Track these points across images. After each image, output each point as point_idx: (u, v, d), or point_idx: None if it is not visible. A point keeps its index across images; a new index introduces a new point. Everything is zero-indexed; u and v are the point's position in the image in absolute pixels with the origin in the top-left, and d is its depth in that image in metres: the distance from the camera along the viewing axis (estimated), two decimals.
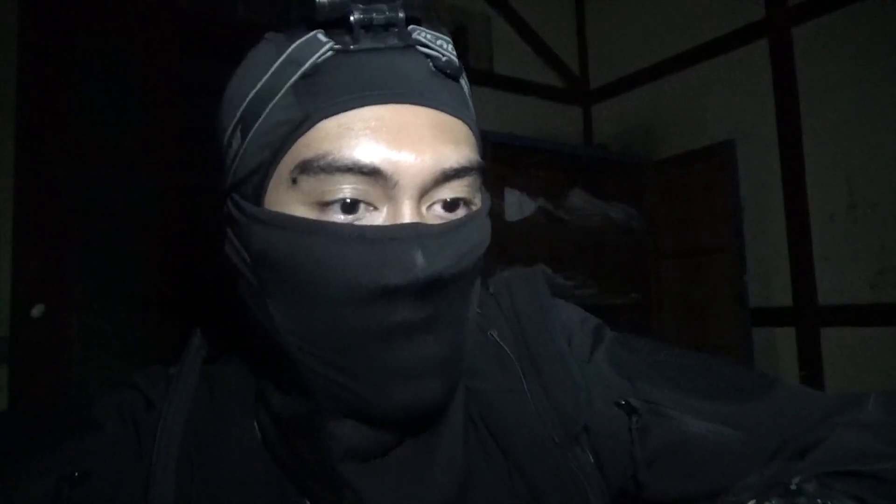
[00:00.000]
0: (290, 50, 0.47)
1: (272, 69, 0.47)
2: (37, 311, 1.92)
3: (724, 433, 0.53)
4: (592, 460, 0.56)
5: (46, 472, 0.49)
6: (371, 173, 0.44)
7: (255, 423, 0.53)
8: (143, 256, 2.13)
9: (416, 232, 0.44)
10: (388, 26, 0.47)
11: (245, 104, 0.48)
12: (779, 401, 0.54)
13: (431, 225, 0.46)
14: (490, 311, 0.60)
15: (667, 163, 2.82)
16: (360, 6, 0.46)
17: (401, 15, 0.47)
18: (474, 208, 0.50)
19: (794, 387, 0.56)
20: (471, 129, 0.50)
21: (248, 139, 0.48)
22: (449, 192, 0.47)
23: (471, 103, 0.53)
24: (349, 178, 0.44)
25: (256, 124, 0.47)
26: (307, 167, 0.45)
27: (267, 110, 0.47)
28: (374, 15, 0.46)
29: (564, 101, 3.20)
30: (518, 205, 2.59)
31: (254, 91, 0.48)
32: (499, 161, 2.62)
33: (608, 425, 0.55)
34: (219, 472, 0.51)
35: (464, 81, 0.52)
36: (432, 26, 0.50)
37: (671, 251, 2.81)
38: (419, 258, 0.44)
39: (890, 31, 2.19)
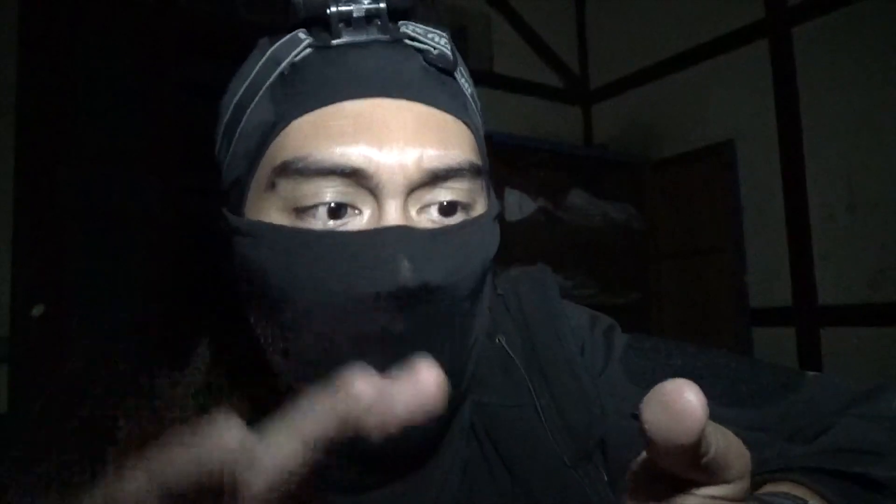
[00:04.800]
0: (270, 51, 0.45)
1: (253, 73, 0.45)
2: (37, 311, 1.92)
3: (746, 436, 0.49)
4: (606, 478, 0.51)
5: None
6: (350, 174, 0.41)
7: None
8: (144, 257, 2.13)
9: (401, 235, 0.41)
10: (370, 19, 0.44)
11: (229, 113, 0.46)
12: (803, 398, 0.51)
13: (419, 229, 0.42)
14: (497, 314, 0.56)
15: (667, 163, 2.82)
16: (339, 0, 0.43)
17: (382, 6, 0.43)
18: (474, 214, 0.46)
19: (821, 380, 0.53)
20: (468, 127, 0.46)
21: (231, 148, 0.46)
22: (444, 194, 0.44)
23: (473, 103, 0.49)
24: (328, 180, 0.41)
25: (238, 131, 0.45)
26: (283, 170, 0.42)
27: (246, 116, 0.45)
28: (353, 7, 0.43)
29: (564, 101, 3.20)
30: (518, 205, 2.59)
31: (236, 98, 0.46)
32: (499, 161, 2.62)
33: (625, 438, 0.51)
34: None
35: (464, 80, 0.49)
36: (426, 20, 0.47)
37: (671, 251, 2.81)
38: (405, 264, 0.40)
39: (890, 31, 2.19)
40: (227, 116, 0.47)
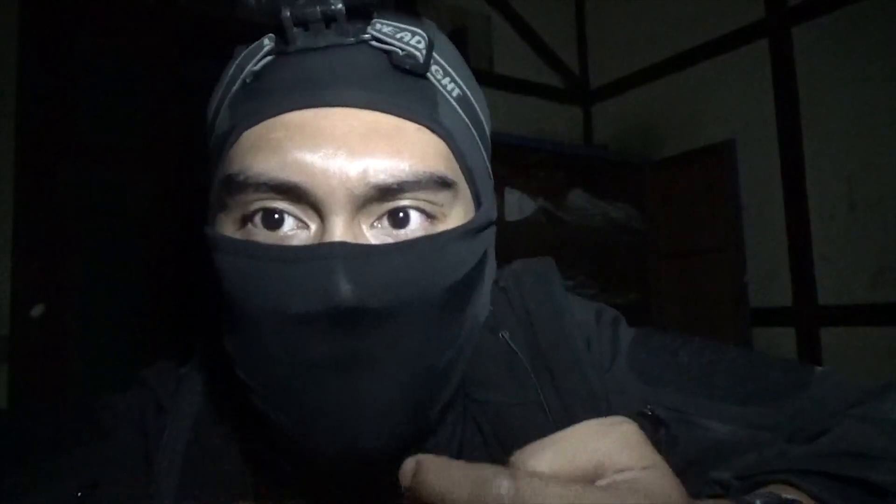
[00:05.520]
0: (238, 59, 0.43)
1: (224, 82, 0.44)
2: (37, 311, 1.92)
3: (753, 435, 0.48)
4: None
5: (63, 477, 0.45)
6: (287, 191, 0.39)
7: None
8: (144, 256, 2.13)
9: (336, 252, 0.38)
10: (328, 22, 0.41)
11: (207, 123, 0.46)
12: (809, 397, 0.49)
13: (361, 245, 0.39)
14: (500, 309, 0.53)
15: (667, 163, 2.82)
16: (291, 3, 0.40)
17: (339, 7, 0.40)
18: (443, 226, 0.42)
19: (829, 378, 0.51)
20: (438, 133, 0.42)
21: (209, 158, 0.45)
22: (400, 205, 0.40)
23: (457, 105, 0.44)
24: (268, 195, 0.39)
25: (210, 142, 0.45)
26: (227, 184, 0.40)
27: (215, 126, 0.44)
28: (307, 10, 0.40)
29: (564, 101, 3.20)
30: (518, 205, 2.58)
31: (211, 109, 0.45)
32: (499, 161, 2.61)
33: None
34: (215, 485, 0.47)
35: (447, 80, 0.44)
36: (402, 19, 0.43)
37: (671, 251, 2.80)
38: (342, 284, 0.37)
39: (890, 31, 2.19)
40: (206, 127, 0.46)
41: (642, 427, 0.46)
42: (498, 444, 0.49)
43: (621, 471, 0.28)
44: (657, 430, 0.49)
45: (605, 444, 0.28)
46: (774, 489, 0.38)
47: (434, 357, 0.42)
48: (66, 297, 1.99)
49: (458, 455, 0.47)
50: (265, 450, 0.46)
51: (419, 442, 0.44)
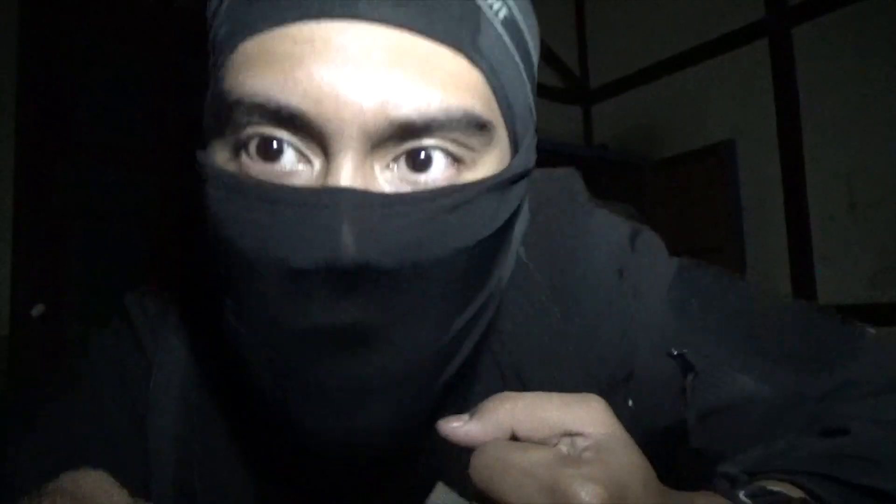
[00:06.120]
0: None
1: None
2: (37, 311, 1.92)
3: (782, 398, 0.44)
4: (631, 404, 0.45)
5: (40, 453, 0.42)
6: (287, 118, 0.32)
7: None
8: (143, 256, 2.13)
9: (342, 201, 0.32)
10: None
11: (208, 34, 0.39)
12: (856, 371, 0.44)
13: (372, 193, 0.33)
14: (518, 225, 0.45)
15: (667, 163, 2.82)
16: None
17: None
18: (472, 175, 0.35)
19: (877, 353, 0.46)
20: (477, 65, 0.34)
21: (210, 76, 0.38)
22: (421, 142, 0.34)
23: (506, 32, 0.36)
24: (264, 122, 0.33)
25: (210, 50, 0.38)
26: (219, 104, 0.34)
27: (211, 36, 0.38)
28: None
29: (564, 101, 3.20)
30: None
31: (210, 14, 0.39)
32: None
33: (656, 374, 0.44)
34: (216, 448, 0.42)
35: (496, 1, 0.36)
36: None
37: (671, 251, 2.79)
38: (346, 240, 0.31)
39: (890, 31, 2.19)
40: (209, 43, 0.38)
41: (670, 367, 0.44)
42: (516, 377, 0.43)
43: (584, 437, 0.28)
44: (685, 375, 0.44)
45: (571, 412, 0.29)
46: (773, 485, 0.38)
47: (446, 327, 0.36)
48: (66, 297, 1.99)
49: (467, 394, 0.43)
50: (259, 425, 0.42)
51: (427, 416, 0.38)
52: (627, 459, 0.28)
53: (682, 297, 0.46)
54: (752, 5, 2.54)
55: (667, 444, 0.45)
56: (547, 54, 3.16)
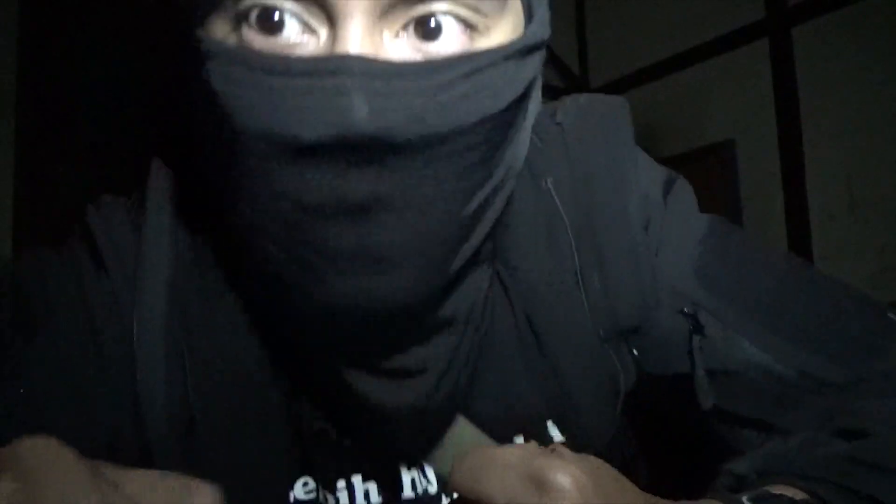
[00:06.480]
0: None
1: None
2: None
3: (806, 381, 0.43)
4: (636, 353, 0.45)
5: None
6: None
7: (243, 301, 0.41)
8: None
9: (351, 68, 0.31)
10: None
11: None
12: (886, 364, 0.43)
13: (381, 61, 0.32)
14: (550, 150, 0.44)
15: (667, 162, 2.78)
16: None
17: None
18: (487, 42, 0.34)
19: None
20: None
21: None
22: (434, 9, 0.32)
23: None
24: None
25: None
26: None
27: None
28: None
29: None
30: None
31: None
32: None
33: (665, 330, 0.44)
34: (214, 360, 0.40)
35: None
36: None
37: None
38: (358, 108, 0.30)
39: (890, 31, 2.19)
40: None
41: (679, 325, 0.43)
42: (526, 318, 0.43)
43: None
44: (691, 336, 0.43)
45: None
46: (779, 489, 0.37)
47: (460, 203, 0.35)
48: None
49: (482, 318, 0.42)
50: (266, 317, 0.41)
51: (440, 297, 0.38)
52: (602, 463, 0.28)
53: (707, 260, 0.45)
54: (752, 5, 2.54)
55: (673, 395, 0.45)
56: (547, 54, 3.16)
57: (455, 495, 0.28)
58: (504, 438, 0.42)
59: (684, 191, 0.49)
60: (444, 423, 0.40)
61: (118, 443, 0.39)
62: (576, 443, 0.42)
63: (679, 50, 2.80)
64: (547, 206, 0.43)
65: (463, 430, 0.40)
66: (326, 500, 0.41)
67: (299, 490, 0.40)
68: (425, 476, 0.42)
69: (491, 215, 0.38)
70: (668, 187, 0.48)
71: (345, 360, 0.38)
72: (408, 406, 0.38)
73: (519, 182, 0.40)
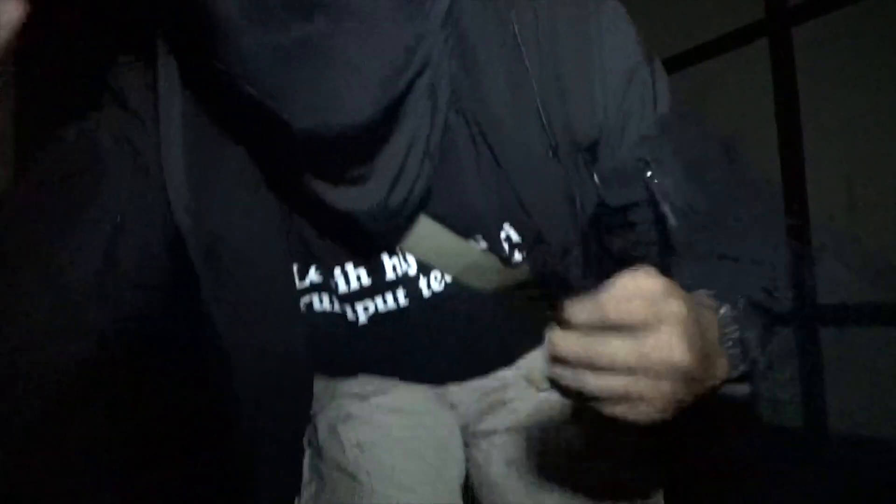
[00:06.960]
0: None
1: None
2: None
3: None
4: (598, 181, 0.53)
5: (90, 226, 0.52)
6: None
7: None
8: None
9: None
10: None
11: None
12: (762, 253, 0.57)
13: None
14: None
15: None
16: None
17: None
18: None
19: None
20: None
21: None
22: None
23: None
24: None
25: None
26: None
27: None
28: None
29: None
30: None
31: None
32: None
33: (622, 161, 0.53)
34: (224, 181, 0.50)
35: None
36: None
37: None
38: None
39: (890, 31, 2.19)
40: None
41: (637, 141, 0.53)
42: (483, 139, 0.50)
43: (644, 327, 0.34)
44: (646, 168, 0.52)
45: (633, 304, 0.34)
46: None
47: (400, 24, 0.43)
48: None
49: (441, 142, 0.50)
50: (262, 139, 0.49)
51: (386, 118, 0.45)
52: (672, 347, 0.36)
53: (672, 126, 0.56)
54: (752, 5, 2.54)
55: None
56: None
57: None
58: (465, 235, 0.50)
59: (659, 64, 0.57)
60: (409, 221, 0.49)
61: (152, 261, 0.53)
62: (531, 243, 0.52)
63: (679, 50, 2.80)
64: (510, 42, 0.48)
65: (426, 226, 0.48)
66: (330, 283, 0.52)
67: (313, 275, 0.51)
68: (406, 261, 0.50)
69: (433, 37, 0.44)
70: (650, 55, 0.55)
71: (315, 172, 0.47)
72: (369, 207, 0.46)
73: (479, 17, 0.47)
